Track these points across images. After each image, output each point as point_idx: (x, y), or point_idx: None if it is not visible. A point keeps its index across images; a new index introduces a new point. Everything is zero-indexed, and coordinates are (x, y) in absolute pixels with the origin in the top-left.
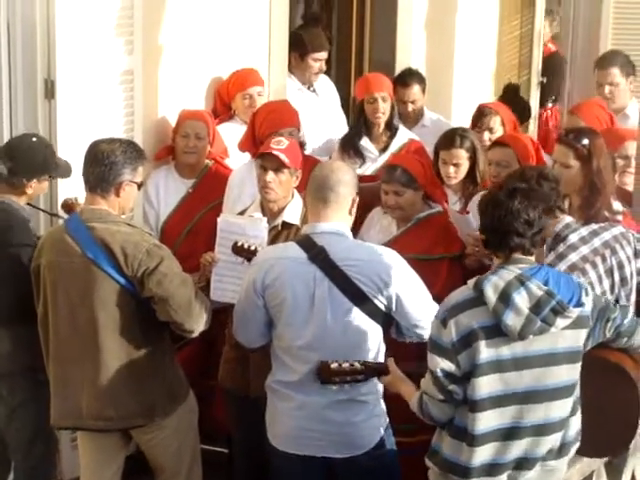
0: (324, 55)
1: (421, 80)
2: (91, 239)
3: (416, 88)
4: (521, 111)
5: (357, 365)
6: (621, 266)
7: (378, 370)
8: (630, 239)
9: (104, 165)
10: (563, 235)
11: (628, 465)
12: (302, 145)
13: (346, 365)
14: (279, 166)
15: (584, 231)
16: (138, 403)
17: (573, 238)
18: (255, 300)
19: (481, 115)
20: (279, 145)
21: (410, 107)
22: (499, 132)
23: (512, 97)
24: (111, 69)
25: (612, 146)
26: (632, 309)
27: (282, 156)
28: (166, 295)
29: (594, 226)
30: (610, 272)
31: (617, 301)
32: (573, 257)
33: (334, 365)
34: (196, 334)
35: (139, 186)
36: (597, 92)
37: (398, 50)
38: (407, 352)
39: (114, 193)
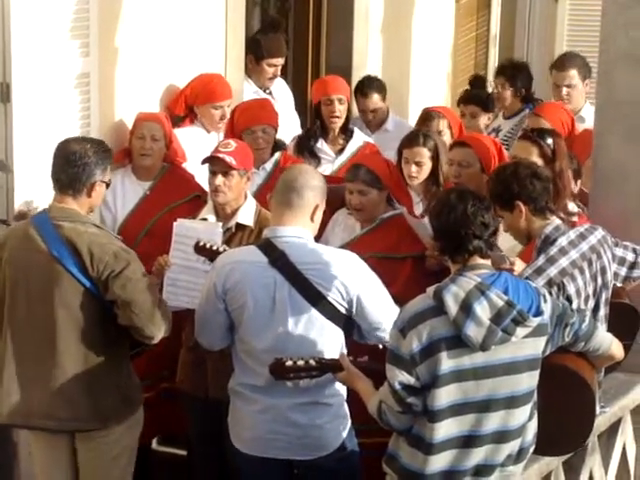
0: (280, 61)
1: (381, 88)
2: (57, 237)
3: (375, 97)
4: (486, 101)
5: (311, 362)
6: (604, 271)
7: (332, 366)
8: (609, 242)
9: (77, 166)
10: (553, 238)
11: (585, 465)
12: (281, 145)
13: (301, 362)
14: (227, 169)
15: (572, 234)
16: (93, 406)
17: (563, 242)
18: (216, 304)
19: (427, 119)
20: (227, 148)
21: (371, 116)
22: (447, 135)
23: (479, 87)
24: (67, 72)
25: (590, 148)
26: (607, 311)
27: (228, 159)
28: (129, 299)
29: (581, 229)
30: (594, 277)
31: (597, 305)
32: (563, 262)
33: (289, 363)
34: (156, 341)
35: (107, 185)
36: (553, 93)
37: (354, 54)
38: (363, 353)
39: (86, 194)
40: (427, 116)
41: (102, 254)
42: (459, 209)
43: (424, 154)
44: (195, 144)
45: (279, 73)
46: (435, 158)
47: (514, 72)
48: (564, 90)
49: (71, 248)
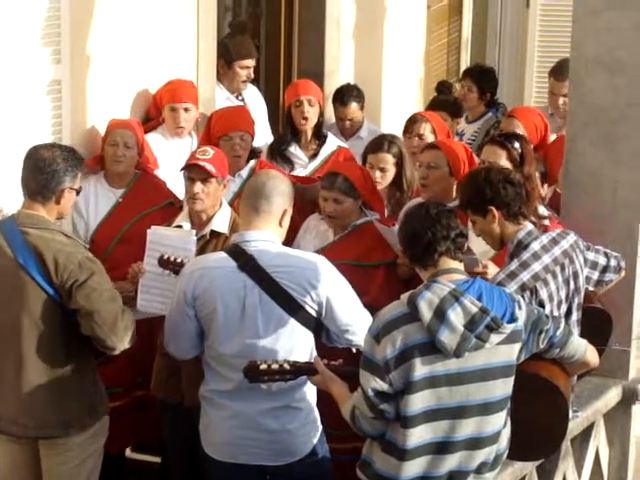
0: (251, 62)
1: (359, 97)
2: (24, 244)
3: (354, 106)
4: (453, 106)
5: (286, 365)
6: (576, 275)
7: (307, 370)
8: (581, 247)
9: (46, 173)
10: (526, 243)
11: (559, 469)
12: (257, 152)
13: (275, 366)
14: (206, 176)
15: (545, 239)
16: (56, 414)
17: (535, 246)
18: (186, 311)
19: (412, 122)
20: (205, 155)
21: (348, 124)
22: (429, 140)
23: (446, 93)
24: (38, 79)
25: None
26: (579, 316)
27: (208, 166)
28: (92, 309)
29: (553, 233)
30: (567, 281)
31: (570, 309)
32: (536, 267)
33: (263, 366)
34: (117, 352)
35: (77, 192)
36: (549, 100)
37: (326, 59)
38: (337, 356)
39: (54, 201)
40: (412, 119)
41: (67, 263)
42: (421, 213)
43: (388, 160)
44: (161, 149)
45: (252, 76)
46: (399, 164)
47: (481, 75)
48: (561, 99)
49: (37, 255)
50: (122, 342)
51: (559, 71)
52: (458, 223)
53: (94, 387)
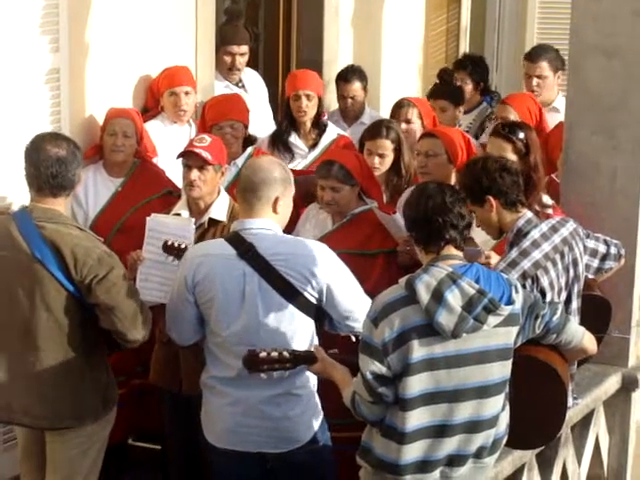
0: (236, 49)
1: (362, 77)
2: (40, 239)
3: (357, 84)
4: (454, 93)
5: (285, 354)
6: (576, 263)
7: (306, 358)
8: (581, 234)
9: (73, 168)
10: (525, 231)
11: (559, 457)
12: (252, 140)
13: (274, 354)
14: (203, 164)
15: (544, 227)
16: (71, 406)
17: (535, 234)
18: (186, 297)
19: (398, 106)
20: (201, 143)
21: (350, 102)
22: (416, 124)
23: (448, 81)
24: (36, 67)
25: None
26: (579, 303)
27: (204, 154)
28: (113, 304)
29: (552, 221)
30: (567, 269)
31: (569, 297)
32: (536, 255)
33: (262, 354)
34: (136, 345)
35: None
36: (525, 83)
37: (325, 47)
38: (340, 343)
39: (75, 189)
40: (399, 104)
41: (86, 258)
42: (438, 198)
43: (387, 146)
44: (159, 137)
45: (240, 65)
46: (397, 149)
47: (473, 66)
48: (534, 81)
49: (54, 250)
50: (142, 335)
51: (532, 54)
52: (467, 213)
53: (107, 378)
